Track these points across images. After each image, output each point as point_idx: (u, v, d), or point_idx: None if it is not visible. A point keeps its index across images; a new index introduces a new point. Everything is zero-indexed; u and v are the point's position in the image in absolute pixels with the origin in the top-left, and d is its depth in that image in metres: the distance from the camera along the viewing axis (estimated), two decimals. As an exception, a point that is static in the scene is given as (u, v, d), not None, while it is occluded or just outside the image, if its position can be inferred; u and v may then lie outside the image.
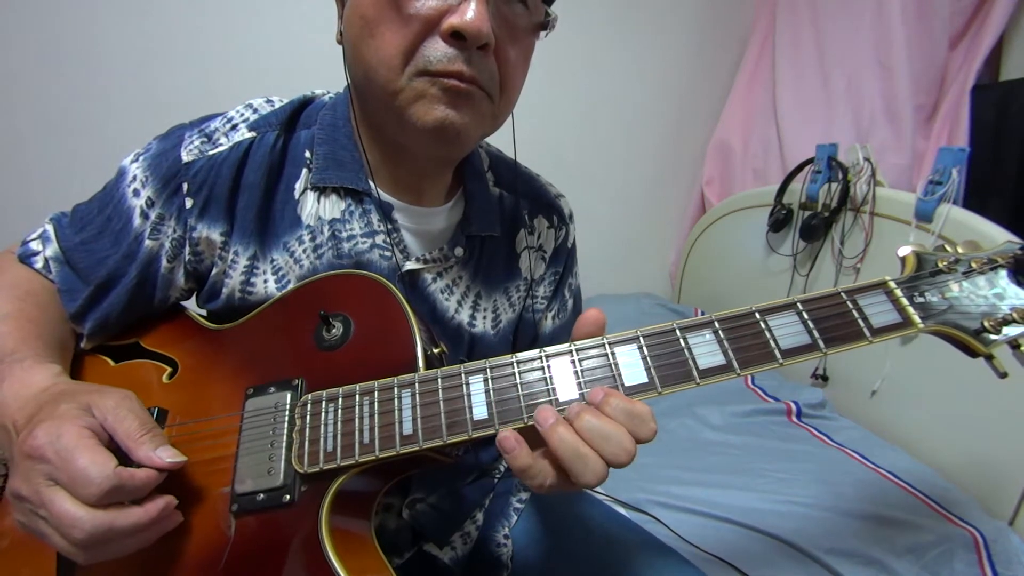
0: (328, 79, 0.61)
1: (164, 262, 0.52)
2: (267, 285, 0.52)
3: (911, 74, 1.35)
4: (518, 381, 0.40)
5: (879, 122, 1.42)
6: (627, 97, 1.78)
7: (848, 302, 0.40)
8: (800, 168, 1.45)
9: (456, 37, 0.43)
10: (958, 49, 1.34)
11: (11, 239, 0.56)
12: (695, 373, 0.39)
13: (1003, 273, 0.41)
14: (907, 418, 1.19)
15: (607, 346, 0.40)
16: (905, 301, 0.40)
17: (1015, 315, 0.39)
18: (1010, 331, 0.39)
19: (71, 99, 1.18)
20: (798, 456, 1.12)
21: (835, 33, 1.51)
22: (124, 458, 0.39)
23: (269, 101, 0.55)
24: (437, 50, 0.43)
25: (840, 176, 1.33)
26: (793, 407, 1.28)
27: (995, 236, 0.99)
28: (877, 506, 0.96)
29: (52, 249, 0.52)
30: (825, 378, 1.39)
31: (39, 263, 0.52)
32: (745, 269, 1.67)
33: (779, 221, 1.47)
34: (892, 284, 0.41)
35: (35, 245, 0.53)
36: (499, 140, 0.66)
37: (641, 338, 0.40)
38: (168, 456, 0.40)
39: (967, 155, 1.11)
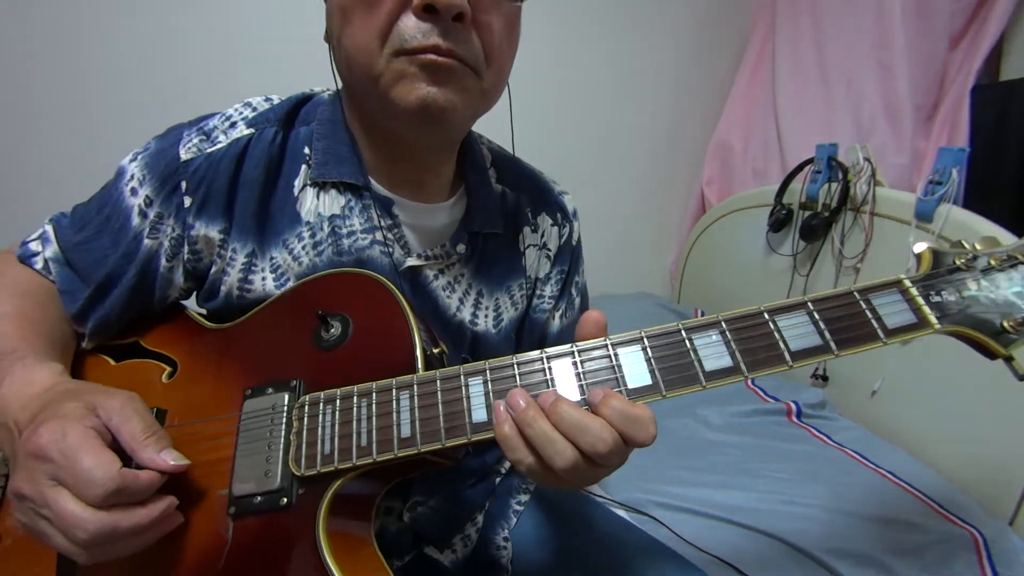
0: (328, 78, 0.60)
1: (163, 261, 0.51)
2: (265, 283, 0.52)
3: (911, 74, 1.34)
4: (519, 383, 0.39)
5: (879, 122, 1.41)
6: (627, 97, 1.77)
7: (861, 302, 0.39)
8: (800, 168, 1.45)
9: (428, 11, 0.42)
10: (958, 49, 1.34)
11: (11, 240, 0.55)
12: (701, 376, 0.37)
13: (1023, 270, 0.40)
14: (907, 418, 1.18)
15: (610, 347, 0.39)
16: (921, 300, 0.38)
17: (1037, 315, 0.37)
18: (1032, 331, 0.37)
19: (71, 100, 1.18)
20: (798, 456, 1.12)
21: (835, 33, 1.50)
22: (128, 459, 0.39)
23: (268, 99, 0.54)
24: (410, 26, 0.42)
25: (840, 176, 1.33)
26: (793, 407, 1.27)
27: (995, 236, 0.98)
28: (877, 506, 0.96)
29: (52, 250, 0.52)
30: (825, 378, 1.39)
31: (39, 264, 0.52)
32: (745, 269, 1.67)
33: (779, 221, 1.47)
34: (907, 283, 0.39)
35: (35, 246, 0.53)
36: (498, 138, 0.66)
37: (645, 339, 0.39)
38: (172, 459, 0.40)
39: (967, 155, 1.11)
